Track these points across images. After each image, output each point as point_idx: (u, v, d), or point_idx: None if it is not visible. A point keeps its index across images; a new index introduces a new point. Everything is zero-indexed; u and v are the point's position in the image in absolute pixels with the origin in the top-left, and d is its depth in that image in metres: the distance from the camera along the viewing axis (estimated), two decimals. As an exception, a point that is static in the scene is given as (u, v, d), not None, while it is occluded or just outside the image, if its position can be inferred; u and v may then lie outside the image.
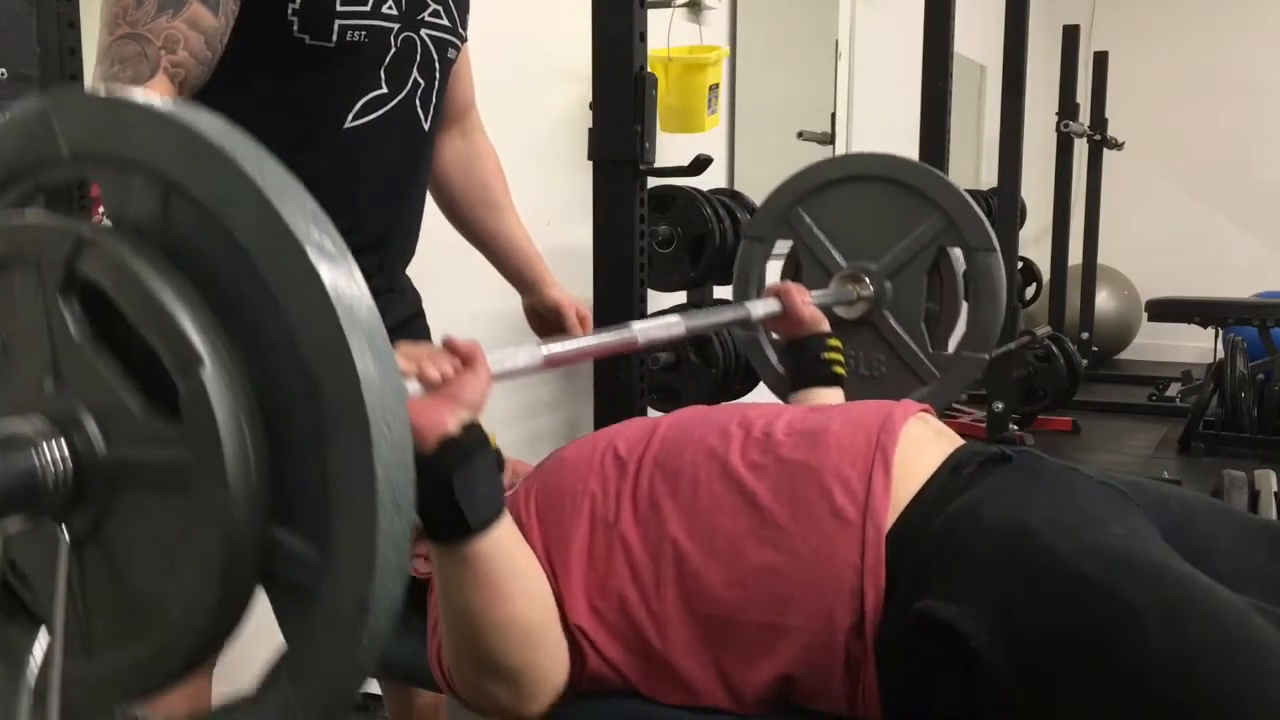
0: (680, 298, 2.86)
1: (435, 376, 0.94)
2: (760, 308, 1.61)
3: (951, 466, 1.12)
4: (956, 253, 1.84)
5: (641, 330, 1.32)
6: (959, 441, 1.20)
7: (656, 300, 2.58)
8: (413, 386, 0.92)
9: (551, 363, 1.13)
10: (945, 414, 4.15)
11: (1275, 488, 1.59)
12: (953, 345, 1.86)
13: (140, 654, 0.67)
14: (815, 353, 1.60)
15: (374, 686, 2.01)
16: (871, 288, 1.84)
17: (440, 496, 0.90)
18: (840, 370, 1.61)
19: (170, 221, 0.63)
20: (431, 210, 1.55)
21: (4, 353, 0.69)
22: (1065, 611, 0.95)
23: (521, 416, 2.76)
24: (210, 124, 0.61)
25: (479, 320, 2.56)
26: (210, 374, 0.60)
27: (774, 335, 1.87)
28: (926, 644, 0.98)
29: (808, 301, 1.62)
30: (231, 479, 0.60)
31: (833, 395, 1.59)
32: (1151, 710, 0.90)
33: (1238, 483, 1.62)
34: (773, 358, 1.89)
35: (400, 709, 1.66)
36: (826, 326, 1.65)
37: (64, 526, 0.66)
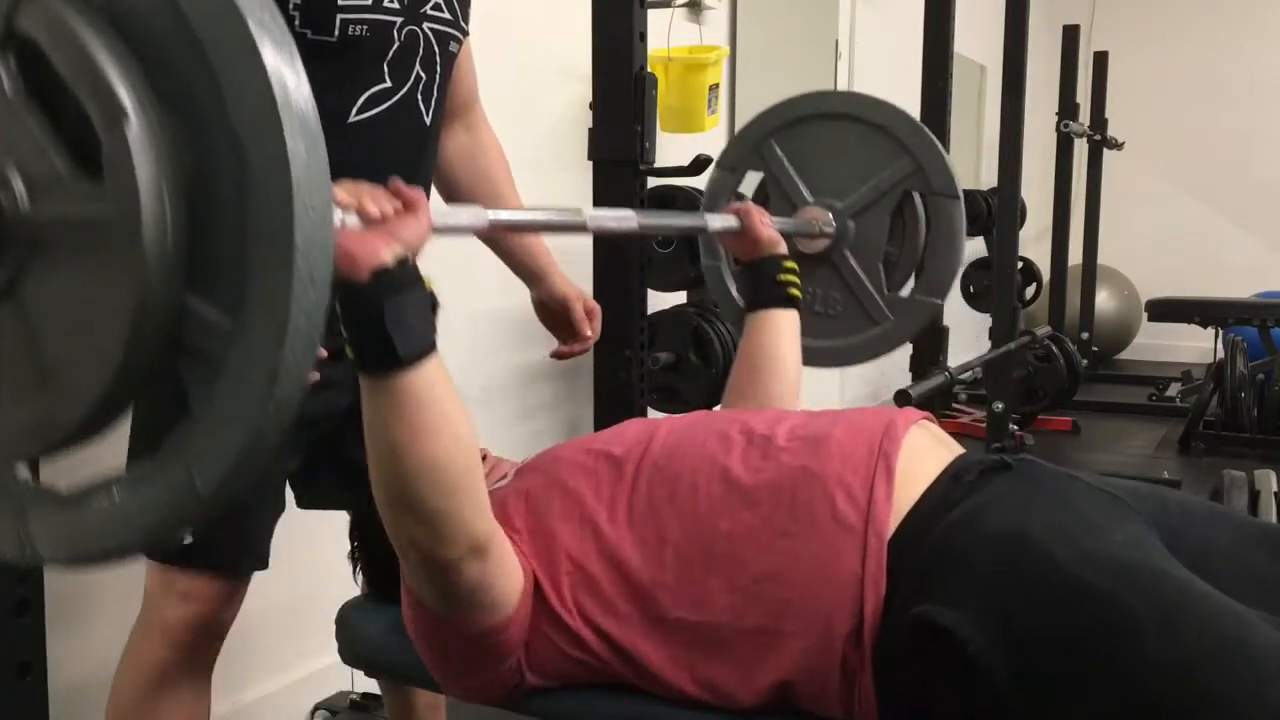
0: (680, 298, 2.86)
1: (375, 212, 0.94)
2: (718, 221, 1.59)
3: (952, 475, 1.12)
4: (920, 197, 1.85)
5: (592, 216, 1.31)
6: (959, 450, 1.21)
7: (656, 300, 2.58)
8: (352, 220, 0.92)
9: (496, 227, 1.11)
10: (945, 414, 4.15)
11: (1275, 488, 1.59)
12: (907, 290, 1.86)
13: (44, 408, 0.68)
14: (771, 274, 1.58)
15: (374, 686, 2.01)
16: (834, 224, 1.85)
17: (371, 325, 0.90)
18: (796, 293, 1.59)
19: None
20: (435, 202, 1.55)
21: None
22: (1064, 617, 0.95)
23: (521, 416, 2.76)
24: None
25: (479, 320, 2.56)
26: (135, 130, 0.61)
27: (734, 268, 1.86)
28: (925, 649, 0.98)
29: (767, 223, 1.60)
30: (148, 240, 0.61)
31: (788, 319, 1.57)
32: (1149, 714, 0.90)
33: (1238, 483, 1.62)
34: (732, 288, 1.88)
35: (400, 709, 1.66)
36: (784, 249, 1.62)
37: None
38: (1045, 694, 0.94)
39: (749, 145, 1.94)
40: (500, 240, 1.65)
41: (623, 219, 1.39)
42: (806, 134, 1.89)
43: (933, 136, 1.86)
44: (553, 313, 1.68)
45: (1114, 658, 0.92)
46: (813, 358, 1.73)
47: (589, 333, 1.65)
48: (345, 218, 0.92)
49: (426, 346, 0.94)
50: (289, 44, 0.61)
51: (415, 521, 1.00)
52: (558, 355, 1.68)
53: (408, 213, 0.96)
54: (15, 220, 0.66)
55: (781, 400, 1.51)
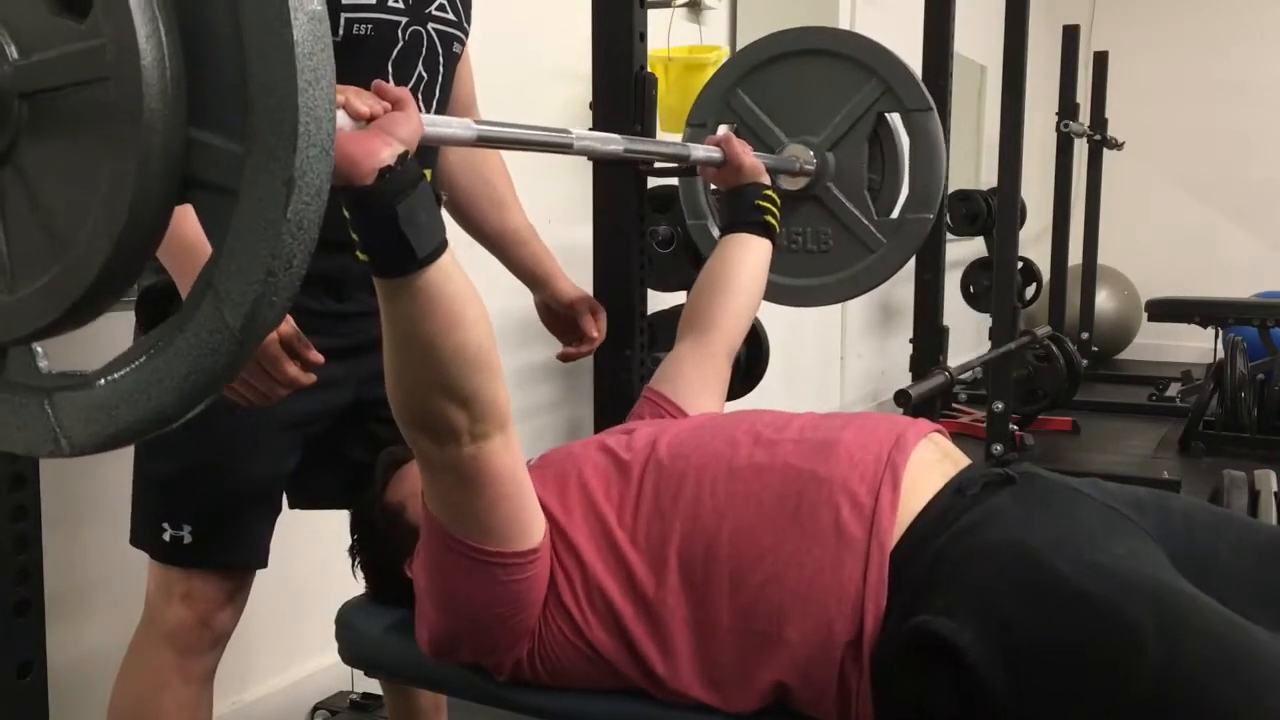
0: (680, 298, 2.85)
1: (365, 111, 0.93)
2: (700, 151, 1.59)
3: (956, 487, 1.12)
4: (895, 119, 1.86)
5: (578, 136, 1.31)
6: (965, 462, 1.20)
7: (657, 300, 2.58)
8: (342, 119, 0.91)
9: (483, 140, 1.11)
10: (945, 414, 4.15)
11: (1275, 488, 1.59)
12: (897, 210, 1.87)
13: (60, 271, 0.65)
14: (750, 199, 1.58)
15: (374, 686, 2.02)
16: (815, 160, 1.85)
17: (385, 228, 0.89)
18: (773, 221, 1.59)
19: None
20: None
21: None
22: (1064, 627, 0.95)
23: (521, 416, 2.76)
24: None
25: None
26: None
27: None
28: (923, 658, 0.98)
29: (748, 151, 1.60)
30: (145, 63, 0.59)
31: (758, 245, 1.57)
32: None
33: (1238, 483, 1.62)
34: (714, 232, 1.88)
35: (401, 709, 1.66)
36: (766, 180, 1.62)
37: None
38: (1044, 703, 0.94)
39: (716, 99, 1.95)
40: (505, 248, 1.65)
41: (609, 141, 1.40)
42: (771, 77, 1.91)
43: (896, 55, 1.86)
44: (557, 316, 1.68)
45: (1114, 667, 0.91)
46: (815, 295, 1.74)
47: (595, 333, 1.65)
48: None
49: (440, 240, 0.94)
50: None
51: (452, 404, 1.00)
52: (564, 357, 1.68)
53: (398, 110, 0.95)
54: (7, 76, 0.64)
55: (730, 324, 1.50)
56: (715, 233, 1.90)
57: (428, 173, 0.94)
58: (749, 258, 1.55)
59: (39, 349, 0.72)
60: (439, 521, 1.09)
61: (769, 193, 1.60)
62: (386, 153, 0.89)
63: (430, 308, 0.94)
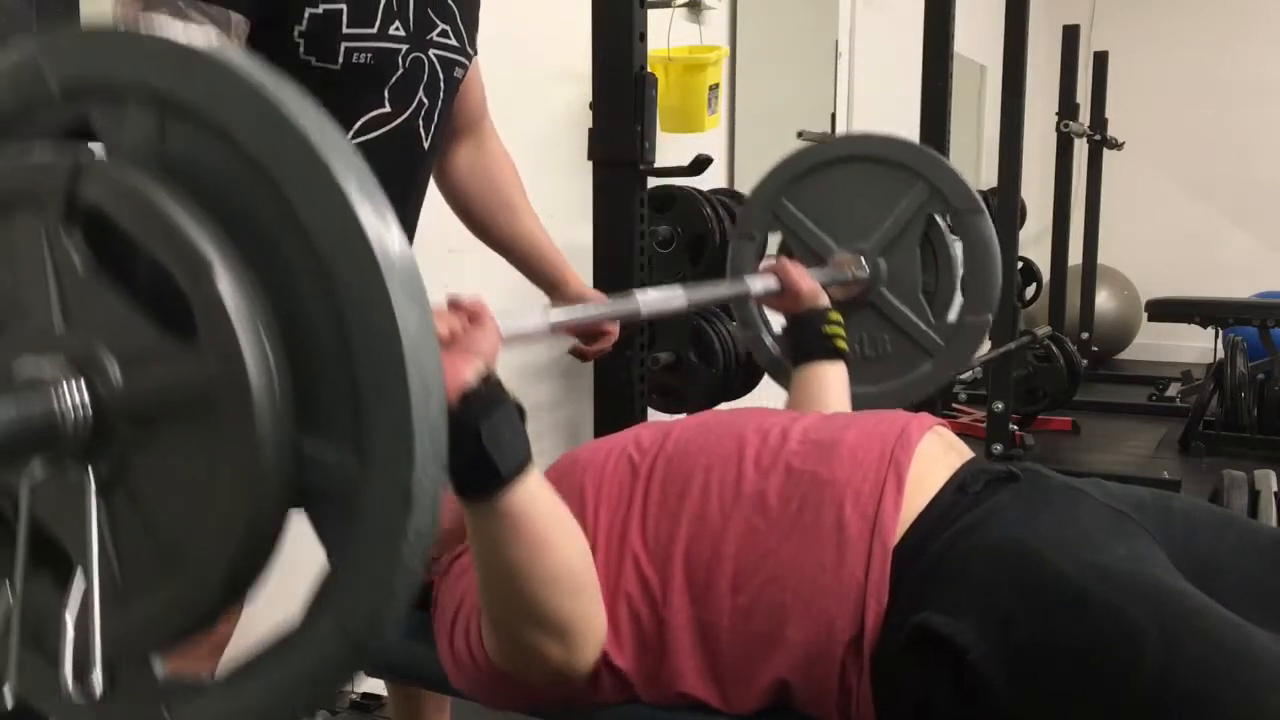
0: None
1: (445, 332, 0.93)
2: (759, 283, 1.60)
3: (958, 485, 1.12)
4: (945, 220, 1.85)
5: (644, 302, 1.33)
6: (969, 455, 1.20)
7: (656, 300, 2.58)
8: None
9: (557, 329, 1.12)
10: (945, 414, 4.15)
11: (1275, 488, 1.59)
12: (953, 313, 1.85)
13: (173, 594, 0.64)
14: (816, 326, 1.59)
15: (374, 686, 2.01)
16: (866, 267, 1.84)
17: (470, 450, 0.88)
18: (842, 344, 1.59)
19: (169, 143, 0.61)
20: (431, 213, 1.55)
21: (11, 297, 0.67)
22: (1064, 626, 0.95)
23: (521, 416, 2.76)
24: (197, 38, 0.60)
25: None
26: (222, 277, 0.58)
27: (775, 332, 1.87)
28: (924, 657, 0.98)
29: (804, 275, 1.61)
30: (255, 388, 0.58)
31: (835, 371, 1.57)
32: None
33: (1238, 483, 1.62)
34: (775, 351, 1.89)
35: (405, 709, 1.66)
36: (826, 301, 1.62)
37: (90, 468, 0.64)
38: (1044, 703, 0.94)
39: (761, 209, 1.95)
40: (518, 253, 1.66)
41: (672, 298, 1.41)
42: (815, 185, 1.89)
43: (939, 155, 1.85)
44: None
45: (1114, 667, 0.91)
46: (877, 402, 1.70)
47: (610, 327, 1.65)
48: None
49: (526, 459, 0.92)
50: (361, 164, 0.58)
51: (546, 634, 0.99)
52: (578, 353, 1.68)
53: (475, 325, 0.95)
54: (112, 400, 0.63)
55: None
56: (769, 341, 1.89)
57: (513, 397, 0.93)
58: (832, 387, 1.56)
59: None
60: (496, 664, 1.06)
61: (832, 315, 1.61)
62: (470, 374, 0.89)
63: (516, 531, 0.93)
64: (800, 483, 1.10)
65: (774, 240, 1.97)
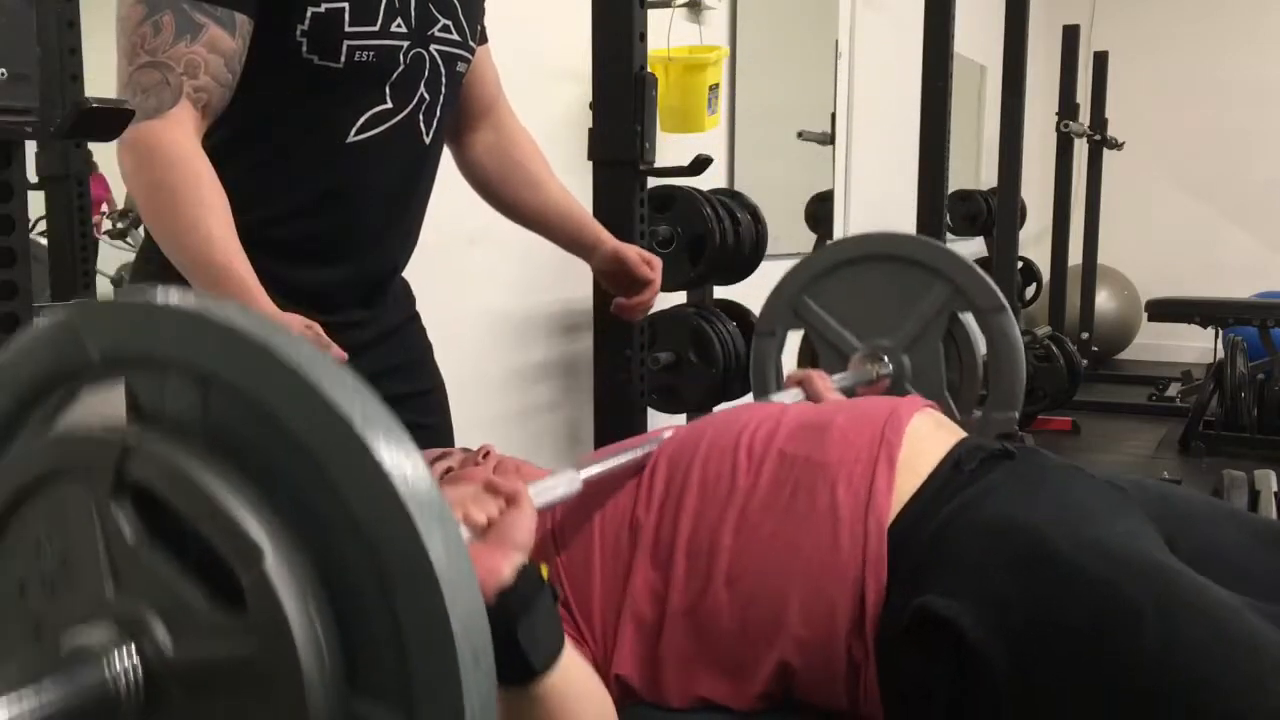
0: (680, 298, 2.86)
1: (482, 520, 0.92)
2: (786, 398, 1.59)
3: (954, 462, 1.12)
4: (969, 317, 1.85)
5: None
6: (960, 434, 1.21)
7: (657, 300, 2.58)
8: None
9: (589, 485, 1.10)
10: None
11: (1275, 488, 1.59)
12: (979, 411, 1.86)
13: None
14: None
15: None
16: (890, 364, 1.85)
17: (504, 646, 0.86)
18: None
19: (211, 415, 0.63)
20: (434, 208, 1.55)
21: (62, 565, 0.68)
22: (1062, 607, 0.95)
23: (522, 416, 2.76)
24: (239, 315, 0.61)
25: (480, 319, 2.56)
26: (272, 563, 0.60)
27: None
28: (925, 639, 0.98)
29: (830, 388, 1.59)
30: (305, 663, 0.59)
31: None
32: (1146, 702, 0.91)
33: (1238, 483, 1.62)
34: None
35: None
36: None
37: None
38: (1044, 684, 0.94)
39: (783, 307, 1.96)
40: (546, 224, 1.65)
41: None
42: (836, 283, 1.91)
43: (961, 256, 1.86)
44: (613, 274, 1.67)
45: (1112, 647, 0.92)
46: None
47: (653, 276, 1.64)
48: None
49: (559, 646, 0.92)
50: (399, 433, 0.59)
51: None
52: (620, 309, 1.67)
53: (511, 508, 0.94)
54: (162, 667, 0.63)
55: None
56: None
57: (543, 568, 0.93)
58: None
59: None
60: None
61: None
62: (507, 570, 0.88)
63: (549, 714, 0.93)
64: (793, 467, 1.11)
65: (795, 335, 1.98)
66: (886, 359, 1.85)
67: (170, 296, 0.63)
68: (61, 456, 0.68)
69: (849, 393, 1.66)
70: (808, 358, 1.97)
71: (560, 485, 1.06)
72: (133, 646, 0.63)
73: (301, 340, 0.61)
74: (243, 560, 0.60)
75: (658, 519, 1.13)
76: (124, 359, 0.66)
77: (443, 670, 0.58)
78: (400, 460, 0.58)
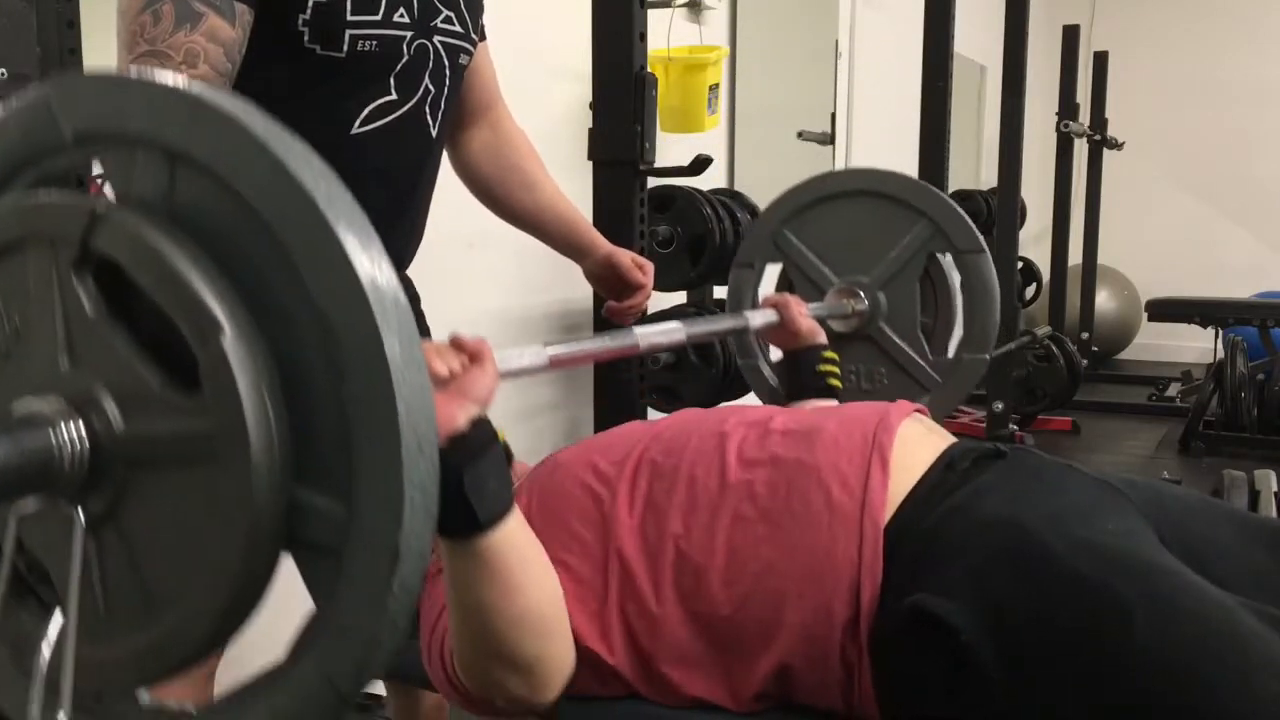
0: (680, 298, 2.86)
1: (444, 372, 0.94)
2: (758, 318, 1.62)
3: (946, 463, 1.13)
4: (946, 258, 1.86)
5: (642, 335, 1.33)
6: (950, 439, 1.21)
7: (657, 300, 2.58)
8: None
9: (556, 363, 1.13)
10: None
11: (1275, 488, 1.59)
12: (951, 349, 1.87)
13: (160, 634, 0.66)
14: (811, 365, 1.61)
15: (378, 687, 2.01)
16: (866, 301, 1.85)
17: (451, 493, 0.89)
18: (836, 383, 1.62)
19: (177, 193, 0.63)
20: (433, 210, 1.55)
21: (18, 335, 0.68)
22: (1055, 606, 0.96)
23: (521, 416, 2.76)
24: (210, 93, 0.61)
25: (481, 319, 2.56)
26: (231, 341, 0.60)
27: (771, 360, 1.87)
28: (919, 638, 0.99)
29: (804, 313, 1.63)
30: (254, 446, 0.60)
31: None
32: (1138, 702, 0.91)
33: (1238, 483, 1.62)
34: (772, 381, 1.90)
35: (404, 710, 1.66)
36: (823, 339, 1.65)
37: (80, 508, 0.65)
38: (1036, 682, 0.95)
39: (763, 239, 1.96)
40: (541, 226, 1.66)
41: (671, 331, 1.41)
42: (818, 217, 1.91)
43: (942, 195, 1.86)
44: (605, 277, 1.67)
45: (1104, 646, 0.92)
46: None
47: (644, 280, 1.65)
48: None
49: (506, 506, 0.94)
50: (362, 221, 0.60)
51: (510, 671, 1.00)
52: (612, 312, 1.68)
53: (474, 365, 0.96)
54: (110, 442, 0.64)
55: None
56: (765, 370, 1.90)
57: (501, 432, 0.94)
58: None
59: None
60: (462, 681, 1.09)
61: (827, 354, 1.62)
62: (461, 417, 0.90)
63: (489, 574, 0.95)
64: (786, 470, 1.11)
65: (774, 269, 1.98)
66: (863, 295, 1.85)
67: (143, 72, 0.64)
68: (29, 223, 0.67)
69: (822, 324, 1.66)
70: (784, 290, 1.97)
71: (527, 356, 1.08)
72: (80, 421, 0.64)
73: (267, 118, 0.60)
74: (201, 336, 0.60)
75: (641, 519, 1.13)
76: (95, 136, 0.65)
77: (386, 459, 0.59)
78: (361, 244, 0.59)
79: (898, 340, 1.86)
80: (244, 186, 0.60)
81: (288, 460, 0.61)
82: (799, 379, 1.62)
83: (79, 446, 0.64)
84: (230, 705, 0.67)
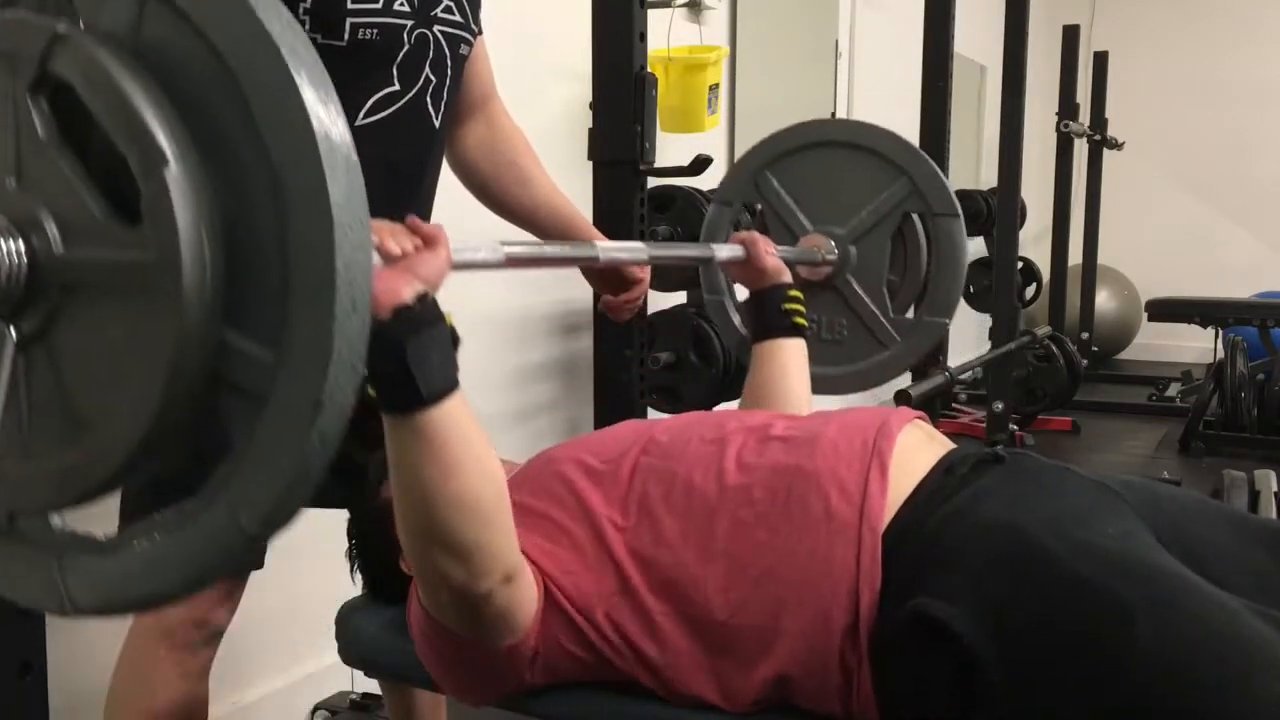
0: (680, 298, 2.86)
1: (396, 250, 0.94)
2: (724, 251, 1.59)
3: (945, 468, 1.13)
4: (920, 220, 1.87)
5: (603, 249, 1.32)
6: (950, 445, 1.21)
7: (657, 300, 2.58)
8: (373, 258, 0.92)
9: (512, 261, 1.11)
10: (945, 414, 4.16)
11: (1275, 488, 1.59)
12: (914, 311, 1.88)
13: (78, 457, 0.67)
14: (776, 303, 1.59)
15: (374, 686, 2.02)
16: (836, 251, 1.86)
17: (394, 364, 0.90)
18: (801, 321, 1.60)
19: (145, 29, 0.63)
20: (452, 211, 1.55)
21: None
22: (1056, 608, 0.96)
23: (521, 416, 2.76)
24: None
25: (479, 320, 2.56)
26: (174, 175, 0.61)
27: (739, 302, 1.87)
28: (920, 642, 0.99)
29: (771, 252, 1.61)
30: (187, 284, 0.61)
31: (795, 347, 1.57)
32: (1139, 704, 0.91)
33: (1238, 483, 1.62)
34: (736, 320, 1.89)
35: (401, 709, 1.66)
36: (789, 278, 1.62)
37: (12, 326, 0.67)
38: (1038, 685, 0.95)
39: (744, 179, 1.95)
40: (537, 222, 1.65)
41: (634, 250, 1.40)
42: (801, 164, 1.91)
43: (927, 157, 1.87)
44: (602, 273, 1.67)
45: (1105, 648, 0.92)
46: (822, 385, 1.72)
47: (641, 276, 1.64)
48: None
49: (450, 383, 0.94)
50: (323, 76, 0.61)
51: (448, 556, 1.00)
52: (608, 307, 1.67)
53: (427, 249, 0.96)
54: (49, 264, 0.65)
55: None
56: (730, 309, 1.90)
57: (449, 315, 0.94)
58: (792, 364, 1.56)
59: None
60: (429, 614, 1.10)
61: (793, 293, 1.61)
62: (407, 292, 0.90)
63: (431, 451, 0.94)
64: (785, 476, 1.11)
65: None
66: (833, 245, 1.86)
67: None
68: None
69: (790, 266, 1.66)
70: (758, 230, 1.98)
71: (483, 250, 1.07)
72: (21, 241, 0.65)
73: None
74: (145, 167, 0.61)
75: (636, 523, 1.13)
76: None
77: (319, 310, 0.60)
78: (319, 98, 0.60)
79: (862, 295, 1.86)
80: (209, 26, 0.61)
81: (220, 301, 0.62)
82: (764, 317, 1.60)
83: (17, 264, 0.65)
84: (141, 535, 0.69)
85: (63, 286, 0.66)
